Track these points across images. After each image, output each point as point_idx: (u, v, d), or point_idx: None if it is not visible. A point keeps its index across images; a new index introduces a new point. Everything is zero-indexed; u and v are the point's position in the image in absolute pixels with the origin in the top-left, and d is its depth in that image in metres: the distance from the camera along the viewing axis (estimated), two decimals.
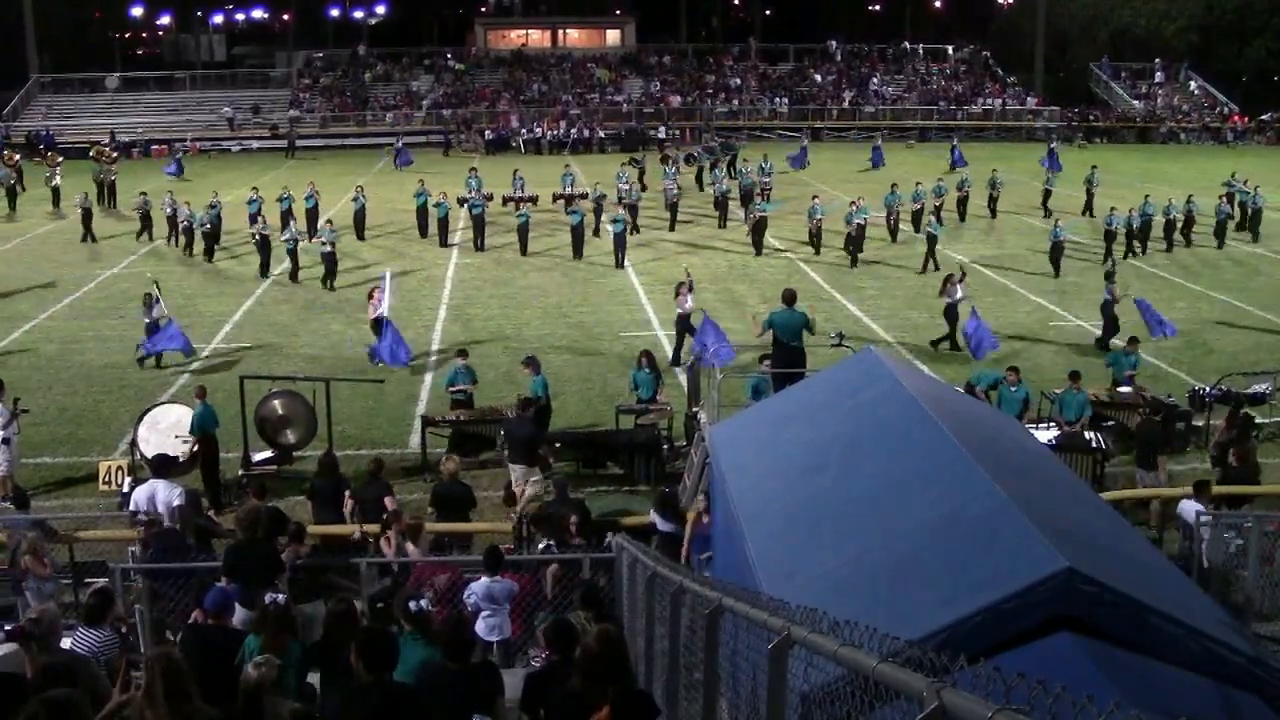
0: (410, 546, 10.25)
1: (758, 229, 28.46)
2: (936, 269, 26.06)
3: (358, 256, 28.29)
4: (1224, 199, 30.70)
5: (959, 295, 20.18)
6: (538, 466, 13.49)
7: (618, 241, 27.31)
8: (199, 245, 28.88)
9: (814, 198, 30.28)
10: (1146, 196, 29.50)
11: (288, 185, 33.68)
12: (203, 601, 7.45)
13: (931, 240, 26.76)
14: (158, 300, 20.21)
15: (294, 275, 26.10)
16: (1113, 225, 27.89)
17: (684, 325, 19.33)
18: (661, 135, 53.46)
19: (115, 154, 43.23)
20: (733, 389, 15.18)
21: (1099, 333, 20.52)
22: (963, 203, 33.27)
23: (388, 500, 11.54)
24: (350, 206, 31.10)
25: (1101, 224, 28.87)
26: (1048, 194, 34.52)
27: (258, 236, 27.19)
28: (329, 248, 25.39)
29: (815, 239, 28.51)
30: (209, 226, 28.70)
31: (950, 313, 20.24)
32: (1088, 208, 33.76)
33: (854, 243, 27.17)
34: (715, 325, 17.29)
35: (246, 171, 43.40)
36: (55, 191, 37.04)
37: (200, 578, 8.90)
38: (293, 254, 25.94)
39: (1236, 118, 61.11)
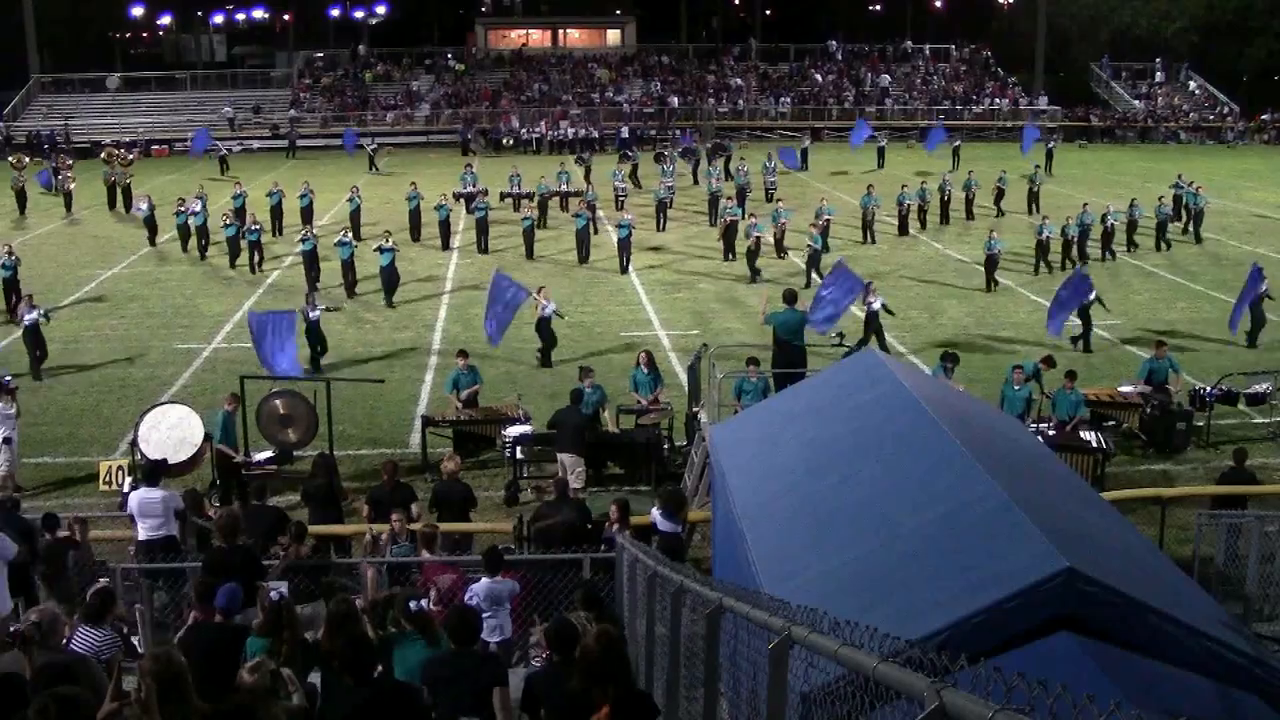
0: (425, 553, 10.24)
1: (729, 233, 27.96)
2: (808, 285, 24.49)
3: (357, 256, 28.04)
4: (1162, 200, 30.07)
5: (1091, 296, 20.22)
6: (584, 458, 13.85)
7: (622, 246, 27.12)
8: (193, 243, 28.92)
9: (778, 202, 30.15)
10: (1084, 205, 28.50)
11: (278, 181, 33.75)
12: (215, 599, 7.43)
13: (814, 256, 25.20)
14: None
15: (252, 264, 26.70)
16: (1044, 234, 26.43)
17: (873, 322, 19.82)
18: (624, 134, 53.45)
19: (131, 156, 42.70)
20: (731, 389, 15.18)
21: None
22: (945, 205, 33.10)
23: (414, 508, 11.55)
24: (346, 207, 31.10)
25: (1034, 233, 27.33)
26: (1000, 193, 34.33)
27: (305, 248, 25.38)
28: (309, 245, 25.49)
29: (778, 243, 28.13)
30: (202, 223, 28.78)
31: (1084, 314, 20.39)
32: (1033, 203, 33.92)
33: (751, 256, 25.83)
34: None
35: (247, 171, 43.40)
36: (68, 196, 36.47)
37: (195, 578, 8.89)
38: (348, 264, 24.64)
39: (1260, 117, 60.90)
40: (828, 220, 28.55)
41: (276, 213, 31.18)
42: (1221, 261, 28.48)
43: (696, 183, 39.74)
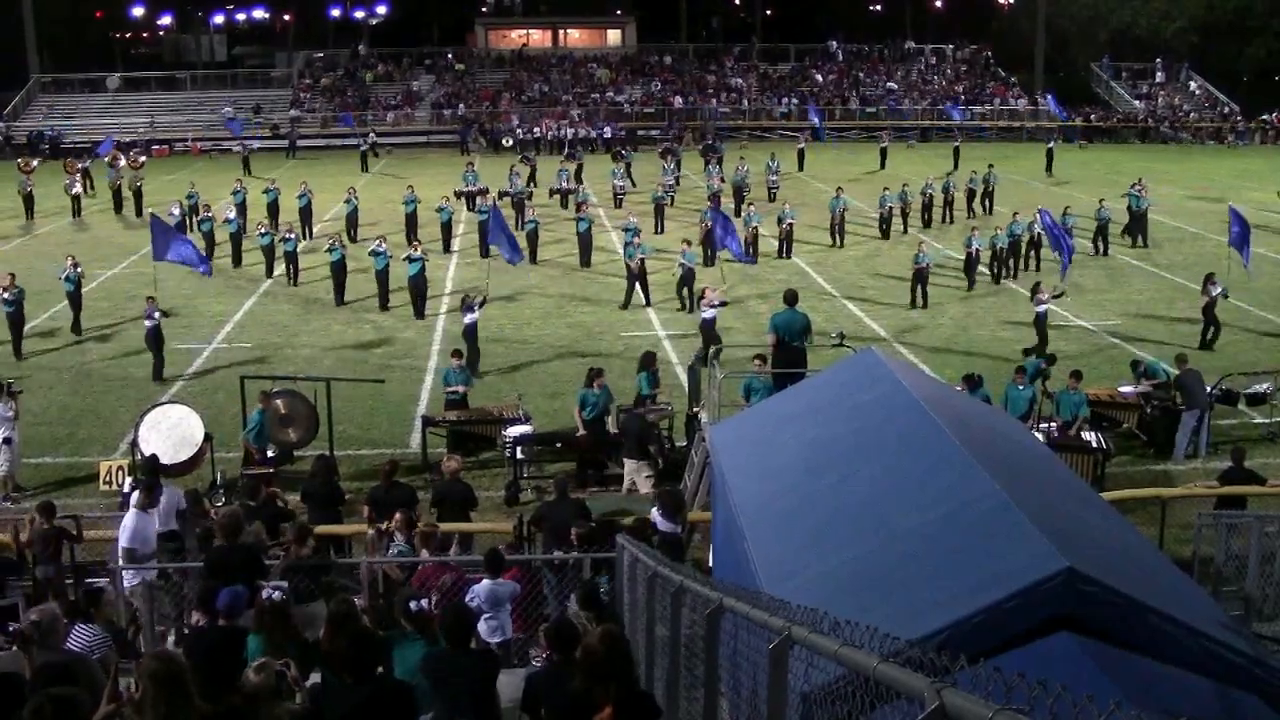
0: (424, 553, 10.26)
1: (710, 238, 27.18)
2: (694, 309, 22.54)
3: (354, 255, 27.65)
4: (1103, 203, 29.28)
5: (1216, 291, 20.25)
6: (649, 462, 13.84)
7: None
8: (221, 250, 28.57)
9: (749, 205, 30.03)
10: (1015, 214, 27.72)
11: (275, 179, 33.71)
12: (215, 603, 7.43)
13: (688, 275, 23.26)
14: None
15: (289, 275, 26.07)
16: (973, 246, 25.02)
17: (1041, 326, 19.72)
18: (608, 134, 53.38)
19: (143, 159, 42.23)
20: (733, 389, 15.18)
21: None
22: (927, 208, 32.80)
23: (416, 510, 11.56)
24: (344, 209, 30.96)
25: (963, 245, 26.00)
26: (971, 194, 34.21)
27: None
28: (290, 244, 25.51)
29: (750, 246, 27.49)
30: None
31: (1209, 311, 20.44)
32: (986, 203, 33.78)
33: (638, 279, 23.73)
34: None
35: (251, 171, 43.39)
36: (75, 200, 35.91)
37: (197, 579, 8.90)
38: (382, 274, 23.64)
39: (1261, 118, 60.66)
40: (791, 224, 28.32)
41: (273, 210, 31.14)
42: (1221, 261, 28.46)
43: (676, 183, 39.56)
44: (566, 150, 48.36)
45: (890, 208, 31.04)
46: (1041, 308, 19.71)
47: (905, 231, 31.42)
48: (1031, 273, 26.17)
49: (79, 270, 22.21)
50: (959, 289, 25.08)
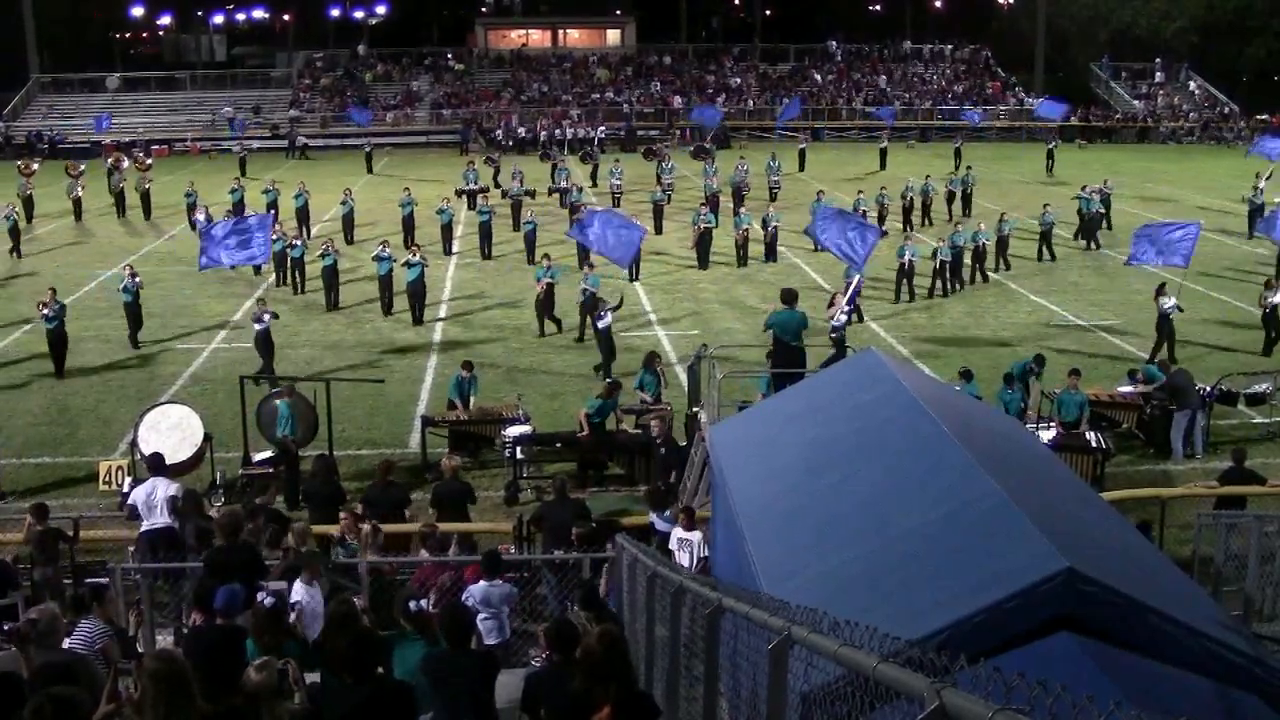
0: (423, 553, 10.26)
1: (703, 241, 27.32)
2: (581, 339, 21.30)
3: (352, 257, 27.59)
4: (1047, 208, 28.61)
5: (1276, 298, 20.23)
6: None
7: None
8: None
9: (740, 209, 29.91)
10: (958, 224, 27.51)
11: (275, 179, 33.65)
12: (213, 602, 7.42)
13: (590, 300, 20.84)
14: None
15: (295, 282, 25.71)
16: (906, 257, 24.17)
17: (1164, 325, 19.62)
18: (602, 134, 53.44)
19: (149, 161, 41.81)
20: (733, 389, 15.19)
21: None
22: (908, 210, 32.49)
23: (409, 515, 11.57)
24: (339, 210, 30.89)
25: (898, 256, 24.78)
26: (951, 196, 34.08)
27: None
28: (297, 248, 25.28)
29: (741, 249, 27.63)
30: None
31: (1272, 317, 20.38)
32: (963, 206, 33.72)
33: (544, 307, 21.97)
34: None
35: (248, 171, 43.34)
36: (77, 204, 35.33)
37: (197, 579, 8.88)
38: (385, 280, 23.23)
39: (1259, 117, 60.52)
40: (776, 227, 28.23)
41: (271, 209, 31.10)
42: (1220, 261, 28.48)
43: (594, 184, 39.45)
44: (541, 151, 48.36)
45: (863, 211, 30.66)
46: (1167, 306, 19.55)
47: (884, 235, 31.04)
48: (987, 283, 25.83)
49: (138, 281, 21.26)
50: (937, 295, 24.81)
